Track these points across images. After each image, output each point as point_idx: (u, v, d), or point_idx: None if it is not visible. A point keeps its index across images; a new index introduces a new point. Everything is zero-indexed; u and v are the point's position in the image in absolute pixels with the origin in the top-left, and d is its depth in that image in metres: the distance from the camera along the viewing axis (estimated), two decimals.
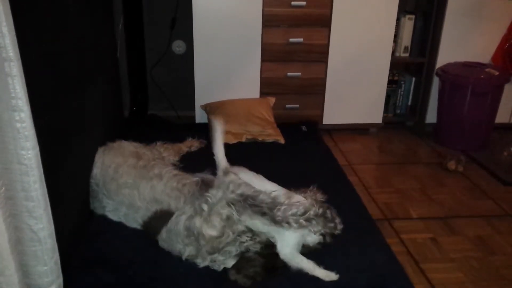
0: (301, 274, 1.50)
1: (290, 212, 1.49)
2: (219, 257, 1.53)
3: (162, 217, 1.62)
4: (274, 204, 1.52)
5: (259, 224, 1.53)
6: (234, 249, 1.52)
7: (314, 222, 1.51)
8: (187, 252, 1.54)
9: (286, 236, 1.51)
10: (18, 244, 1.22)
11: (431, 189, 2.50)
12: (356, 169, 2.72)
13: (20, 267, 1.23)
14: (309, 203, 1.56)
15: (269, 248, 1.53)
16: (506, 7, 3.00)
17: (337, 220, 1.58)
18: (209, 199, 1.55)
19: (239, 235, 1.53)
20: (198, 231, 1.50)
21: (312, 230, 1.52)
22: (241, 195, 1.54)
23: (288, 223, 1.47)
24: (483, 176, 2.68)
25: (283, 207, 1.50)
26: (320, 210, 1.54)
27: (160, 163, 1.90)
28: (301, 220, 1.48)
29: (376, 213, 2.23)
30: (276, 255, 1.52)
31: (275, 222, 1.48)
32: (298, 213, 1.50)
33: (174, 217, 1.59)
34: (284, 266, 1.51)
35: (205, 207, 1.54)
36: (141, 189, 1.70)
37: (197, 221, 1.52)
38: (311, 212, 1.51)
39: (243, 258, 1.51)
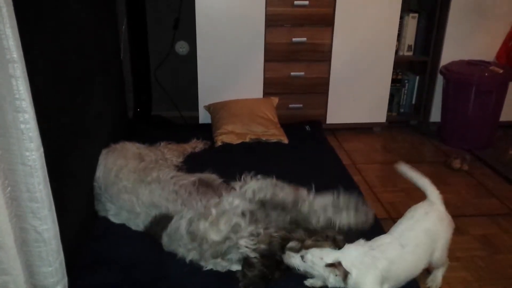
0: (305, 276, 1.49)
1: (318, 204, 1.54)
2: (222, 263, 1.52)
3: (161, 221, 1.63)
4: (296, 200, 1.54)
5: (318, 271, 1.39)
6: (235, 256, 1.51)
7: (344, 212, 1.52)
8: (190, 256, 1.55)
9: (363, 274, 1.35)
10: (23, 244, 1.23)
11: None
12: (360, 169, 2.71)
13: (26, 267, 1.24)
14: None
15: (269, 258, 1.47)
16: (509, 4, 2.99)
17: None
18: (224, 205, 1.54)
19: (239, 243, 1.50)
20: (202, 235, 1.50)
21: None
22: (261, 201, 1.54)
23: (315, 213, 1.49)
24: (488, 174, 2.67)
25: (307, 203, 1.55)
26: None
27: (161, 165, 1.91)
28: (329, 210, 1.50)
29: (381, 212, 2.22)
30: (276, 264, 1.46)
31: (301, 214, 1.49)
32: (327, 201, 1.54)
33: (173, 221, 1.59)
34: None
35: (213, 211, 1.53)
36: (140, 194, 1.70)
37: (201, 225, 1.51)
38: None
39: (245, 263, 1.49)
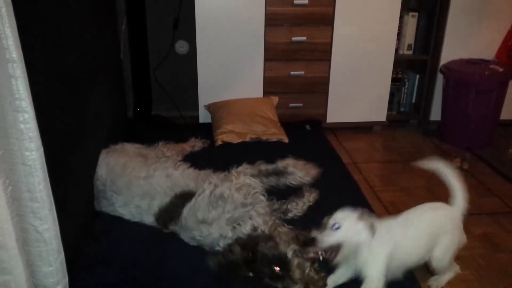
0: None
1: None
2: (229, 233, 1.55)
3: (182, 198, 1.68)
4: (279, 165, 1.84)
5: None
6: (245, 229, 1.55)
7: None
8: (211, 215, 1.57)
9: (374, 249, 1.39)
10: (24, 244, 1.23)
11: (436, 187, 2.48)
12: (360, 168, 2.71)
13: (27, 267, 1.24)
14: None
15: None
16: (509, 3, 2.99)
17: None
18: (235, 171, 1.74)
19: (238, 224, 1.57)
20: (228, 195, 1.60)
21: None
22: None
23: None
24: (488, 173, 2.67)
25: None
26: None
27: (173, 158, 1.98)
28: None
29: (381, 211, 2.22)
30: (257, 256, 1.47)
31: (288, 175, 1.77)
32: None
33: (196, 195, 1.65)
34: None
35: (233, 178, 1.69)
36: (157, 178, 1.76)
37: (226, 186, 1.64)
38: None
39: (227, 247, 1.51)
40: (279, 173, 1.81)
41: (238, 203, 1.59)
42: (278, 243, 1.48)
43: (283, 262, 1.43)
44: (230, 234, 1.55)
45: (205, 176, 1.78)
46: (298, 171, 1.85)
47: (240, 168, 1.77)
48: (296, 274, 1.41)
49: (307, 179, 1.88)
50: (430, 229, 1.53)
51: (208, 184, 1.68)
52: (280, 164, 1.83)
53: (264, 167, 1.81)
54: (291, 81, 2.99)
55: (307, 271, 1.42)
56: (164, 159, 1.92)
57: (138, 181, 1.76)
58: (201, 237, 1.60)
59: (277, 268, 1.42)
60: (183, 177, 1.77)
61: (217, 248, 1.57)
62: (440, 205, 1.62)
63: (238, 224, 1.56)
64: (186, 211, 1.64)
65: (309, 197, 1.90)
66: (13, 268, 1.20)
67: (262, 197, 1.69)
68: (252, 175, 1.74)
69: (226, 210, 1.57)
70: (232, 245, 1.49)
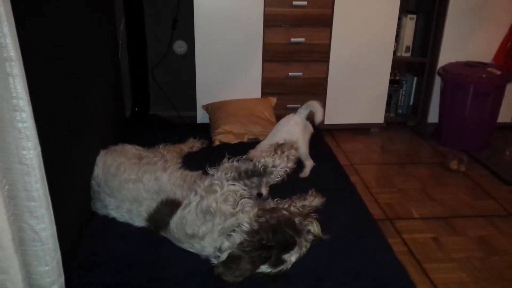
0: (304, 280, 1.50)
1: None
2: (225, 243, 1.53)
3: (169, 205, 1.64)
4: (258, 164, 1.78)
5: None
6: (237, 237, 1.52)
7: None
8: (201, 231, 1.55)
9: None
10: (20, 243, 1.22)
11: (433, 189, 2.50)
12: (357, 169, 2.71)
13: (23, 266, 1.23)
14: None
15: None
16: (507, 6, 3.00)
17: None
18: (220, 178, 1.66)
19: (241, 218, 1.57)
20: (215, 208, 1.55)
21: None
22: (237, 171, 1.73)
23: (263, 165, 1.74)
24: (485, 176, 2.68)
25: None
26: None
27: (164, 159, 1.93)
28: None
29: (378, 213, 2.22)
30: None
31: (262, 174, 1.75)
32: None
33: (182, 207, 1.61)
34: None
35: (217, 188, 1.62)
36: (145, 182, 1.72)
37: (212, 199, 1.58)
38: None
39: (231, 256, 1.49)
40: (259, 175, 1.77)
41: (228, 214, 1.56)
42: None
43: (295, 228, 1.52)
44: (226, 244, 1.51)
45: (192, 181, 1.73)
46: (278, 166, 1.79)
47: (220, 173, 1.68)
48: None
49: (290, 166, 1.83)
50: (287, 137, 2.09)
51: (194, 196, 1.63)
52: (259, 165, 1.75)
53: (244, 167, 1.73)
54: (289, 82, 3.00)
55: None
56: (155, 159, 1.88)
57: (127, 184, 1.73)
58: (193, 249, 1.58)
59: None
60: (170, 182, 1.72)
61: (213, 260, 1.53)
62: (290, 118, 2.27)
63: (233, 230, 1.53)
64: (173, 224, 1.61)
65: (312, 201, 1.85)
66: (9, 268, 1.19)
67: (250, 200, 1.64)
68: (234, 179, 1.68)
69: (216, 223, 1.54)
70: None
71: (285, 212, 1.59)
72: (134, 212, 1.71)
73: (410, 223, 2.16)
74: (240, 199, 1.61)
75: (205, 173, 1.80)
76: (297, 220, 1.55)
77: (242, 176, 1.70)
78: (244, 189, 1.67)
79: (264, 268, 1.47)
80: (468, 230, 2.10)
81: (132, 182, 1.73)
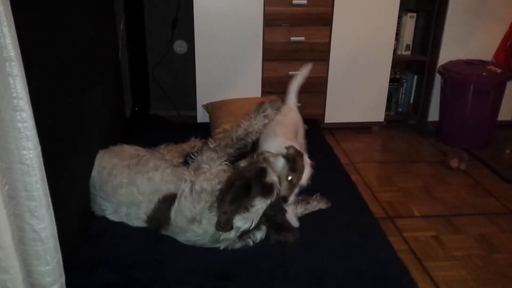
0: (305, 278, 1.50)
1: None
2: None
3: (165, 202, 1.65)
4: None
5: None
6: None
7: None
8: (197, 211, 1.58)
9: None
10: (21, 243, 1.22)
11: (433, 187, 2.50)
12: (358, 168, 2.71)
13: (23, 266, 1.24)
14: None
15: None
16: (508, 4, 2.99)
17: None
18: (205, 159, 1.76)
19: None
20: (209, 190, 1.60)
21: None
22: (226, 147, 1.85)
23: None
24: (485, 174, 2.67)
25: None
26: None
27: (155, 157, 1.92)
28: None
29: (378, 211, 2.22)
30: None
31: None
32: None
33: (178, 196, 1.63)
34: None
35: (205, 169, 1.69)
36: (138, 184, 1.71)
37: (203, 180, 1.63)
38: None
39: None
40: (242, 139, 1.88)
41: (215, 189, 1.60)
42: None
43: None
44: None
45: (181, 173, 1.75)
46: (255, 126, 1.94)
47: (206, 156, 1.78)
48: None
49: (266, 122, 1.96)
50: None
51: (185, 183, 1.66)
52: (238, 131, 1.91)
53: (230, 143, 1.86)
54: (289, 81, 2.98)
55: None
56: (145, 157, 1.85)
57: (121, 189, 1.72)
58: (197, 236, 1.59)
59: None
60: (163, 180, 1.72)
61: (218, 245, 1.58)
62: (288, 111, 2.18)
63: None
64: (173, 214, 1.62)
65: (314, 206, 1.85)
66: (9, 267, 1.19)
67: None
68: (220, 158, 1.77)
69: (206, 199, 1.58)
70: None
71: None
72: (133, 216, 1.71)
73: (411, 222, 2.16)
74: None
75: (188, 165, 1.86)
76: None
77: (229, 147, 1.83)
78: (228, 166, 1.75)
79: (259, 201, 1.52)
80: (469, 228, 2.10)
81: (125, 187, 1.72)
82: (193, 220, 1.58)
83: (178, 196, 1.63)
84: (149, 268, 1.54)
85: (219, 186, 1.59)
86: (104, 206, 1.75)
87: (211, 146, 1.84)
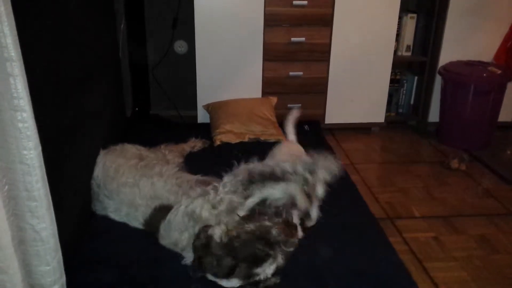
0: (305, 278, 1.50)
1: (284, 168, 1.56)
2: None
3: (161, 212, 1.62)
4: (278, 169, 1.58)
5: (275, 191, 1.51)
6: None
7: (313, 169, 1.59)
8: (182, 239, 1.52)
9: None
10: (21, 243, 1.23)
11: (433, 188, 2.50)
12: (358, 169, 2.71)
13: (23, 266, 1.24)
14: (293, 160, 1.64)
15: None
16: (508, 5, 2.99)
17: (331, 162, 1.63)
18: (220, 187, 1.57)
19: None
20: (198, 214, 1.50)
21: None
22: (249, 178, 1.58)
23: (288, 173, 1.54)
24: (486, 174, 2.67)
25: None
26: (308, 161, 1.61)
27: (162, 163, 1.91)
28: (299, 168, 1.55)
29: (378, 212, 2.22)
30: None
31: (280, 179, 1.53)
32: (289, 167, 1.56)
33: (173, 209, 1.59)
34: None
35: (211, 192, 1.56)
36: (141, 187, 1.70)
37: (197, 203, 1.53)
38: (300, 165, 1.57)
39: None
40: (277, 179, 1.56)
41: (205, 223, 1.48)
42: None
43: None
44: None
45: (188, 187, 1.67)
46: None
47: (227, 179, 1.58)
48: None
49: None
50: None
51: (185, 199, 1.58)
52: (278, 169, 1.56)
53: (259, 169, 1.58)
54: (289, 82, 2.99)
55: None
56: (153, 162, 1.84)
57: (124, 188, 1.72)
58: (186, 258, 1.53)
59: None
60: (165, 189, 1.68)
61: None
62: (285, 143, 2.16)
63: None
64: (162, 229, 1.59)
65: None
66: (8, 268, 1.19)
67: (235, 199, 1.54)
68: (235, 192, 1.55)
69: (195, 230, 1.47)
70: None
71: (267, 223, 1.42)
72: (132, 216, 1.71)
73: (411, 222, 2.16)
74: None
75: (205, 175, 1.80)
76: (274, 231, 1.39)
77: (253, 181, 1.55)
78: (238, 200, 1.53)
79: (235, 282, 1.38)
80: (469, 229, 2.10)
81: (129, 186, 1.72)
82: (176, 245, 1.55)
83: (173, 210, 1.58)
84: (149, 267, 1.54)
85: (211, 216, 1.47)
86: (106, 204, 1.76)
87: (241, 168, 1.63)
